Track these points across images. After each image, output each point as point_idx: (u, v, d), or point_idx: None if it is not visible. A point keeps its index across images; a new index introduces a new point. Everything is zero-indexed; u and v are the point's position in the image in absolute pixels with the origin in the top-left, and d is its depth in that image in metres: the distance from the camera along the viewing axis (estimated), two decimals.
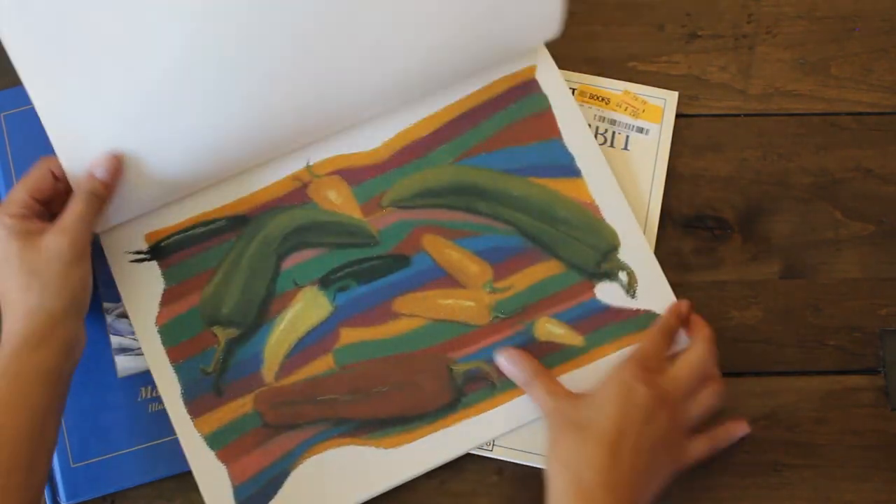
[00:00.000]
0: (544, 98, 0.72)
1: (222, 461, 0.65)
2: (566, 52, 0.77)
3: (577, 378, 0.67)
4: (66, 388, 0.62)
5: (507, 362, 0.66)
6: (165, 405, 0.66)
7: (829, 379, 0.71)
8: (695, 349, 0.65)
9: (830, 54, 0.78)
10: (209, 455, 0.65)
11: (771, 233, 0.74)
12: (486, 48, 0.69)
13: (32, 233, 0.61)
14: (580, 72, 0.76)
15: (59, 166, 0.64)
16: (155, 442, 0.67)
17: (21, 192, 0.63)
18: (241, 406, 0.66)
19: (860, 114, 0.76)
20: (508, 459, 0.68)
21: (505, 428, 0.66)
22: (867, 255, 0.73)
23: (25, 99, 0.68)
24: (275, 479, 0.65)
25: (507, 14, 0.68)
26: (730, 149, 0.76)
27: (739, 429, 0.67)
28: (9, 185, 0.73)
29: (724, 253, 0.73)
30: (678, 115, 0.75)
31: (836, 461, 0.69)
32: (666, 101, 0.75)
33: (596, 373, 0.66)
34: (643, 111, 0.75)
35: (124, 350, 0.69)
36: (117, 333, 0.70)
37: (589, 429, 0.60)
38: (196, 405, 0.66)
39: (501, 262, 0.69)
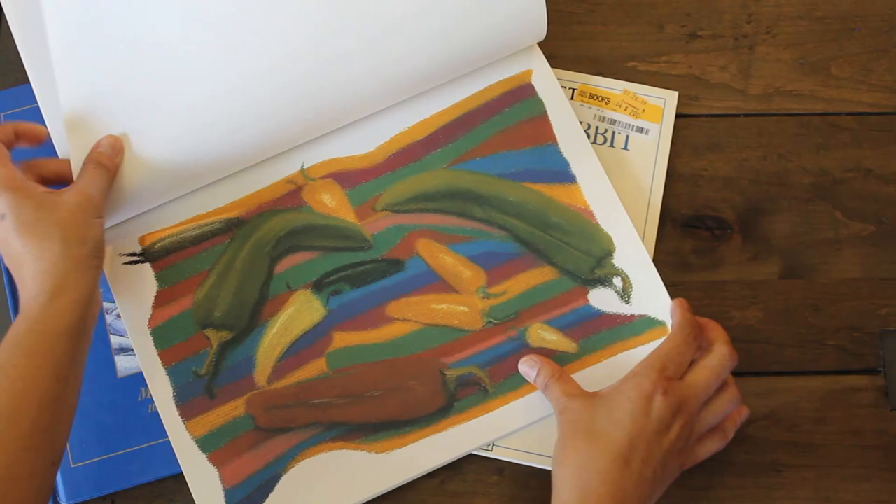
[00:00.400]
0: (540, 102, 0.72)
1: (214, 464, 0.65)
2: (566, 52, 0.77)
3: None
4: (87, 344, 0.61)
5: (526, 366, 0.66)
6: (157, 407, 0.66)
7: (829, 379, 0.71)
8: (716, 354, 0.64)
9: (830, 54, 0.78)
10: (200, 458, 0.65)
11: (771, 233, 0.74)
12: (475, 49, 0.69)
13: (43, 193, 0.61)
14: (580, 72, 0.76)
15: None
16: (155, 442, 0.67)
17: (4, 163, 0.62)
18: (233, 409, 0.66)
19: (860, 114, 0.76)
20: (508, 459, 0.68)
21: (497, 433, 0.66)
22: (867, 255, 0.73)
23: (25, 99, 0.69)
24: (266, 482, 0.65)
25: (492, 15, 0.68)
26: (730, 149, 0.76)
27: (743, 415, 0.66)
28: None
29: (724, 253, 0.73)
30: (678, 115, 0.75)
31: (836, 461, 0.69)
32: (666, 101, 0.75)
33: (589, 378, 0.66)
34: (643, 111, 0.75)
35: (124, 350, 0.69)
36: (117, 333, 0.70)
37: (600, 440, 0.60)
38: (188, 408, 0.66)
39: (495, 267, 0.69)
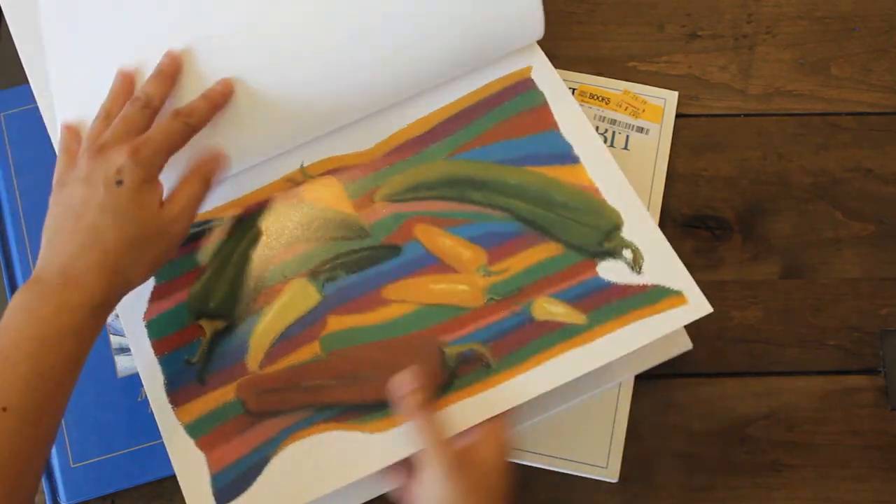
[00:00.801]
0: (540, 94, 0.71)
1: (201, 449, 0.63)
2: (566, 52, 0.77)
3: (581, 358, 0.63)
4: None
5: (398, 383, 0.62)
6: (148, 396, 0.64)
7: (829, 379, 0.71)
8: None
9: (830, 54, 0.78)
10: (188, 443, 0.63)
11: (771, 233, 0.74)
12: (471, 48, 0.69)
13: (161, 199, 0.60)
14: (580, 72, 0.76)
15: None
16: (155, 442, 0.67)
17: (168, 149, 0.60)
18: (223, 394, 0.64)
19: (860, 114, 0.76)
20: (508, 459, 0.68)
21: (501, 408, 0.63)
22: (867, 255, 0.73)
23: (25, 99, 0.69)
24: (254, 466, 0.63)
25: (488, 14, 0.68)
26: (730, 149, 0.76)
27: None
28: (9, 185, 0.73)
29: (724, 253, 0.73)
30: (678, 115, 0.76)
31: (836, 461, 0.69)
32: (666, 101, 0.75)
33: (602, 350, 0.63)
34: (643, 111, 0.75)
35: (124, 350, 0.69)
36: (117, 333, 0.70)
37: None
38: (178, 395, 0.64)
39: (497, 246, 0.67)
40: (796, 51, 0.78)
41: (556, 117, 0.70)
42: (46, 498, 0.67)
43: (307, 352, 0.65)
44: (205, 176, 0.63)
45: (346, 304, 0.66)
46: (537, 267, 0.66)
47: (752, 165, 0.75)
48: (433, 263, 0.67)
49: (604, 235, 0.66)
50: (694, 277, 0.72)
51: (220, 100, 0.64)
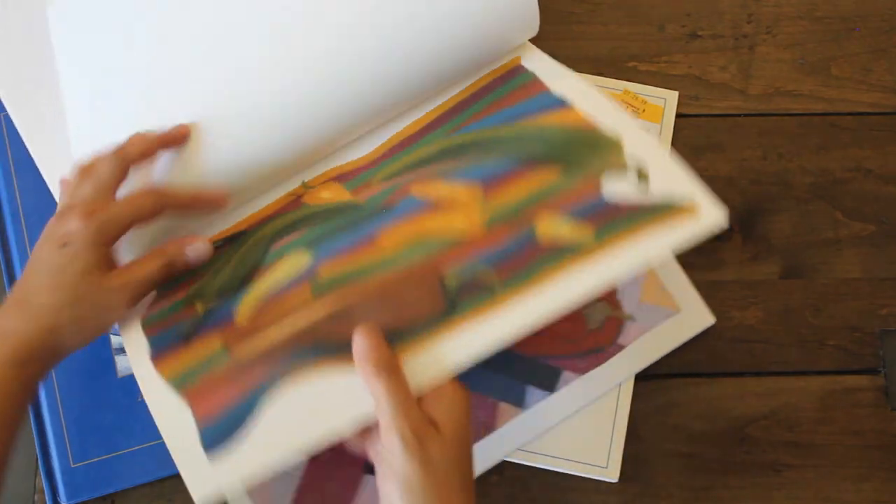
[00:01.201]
0: (531, 74, 0.69)
1: (187, 400, 0.59)
2: (566, 52, 0.77)
3: (590, 274, 0.58)
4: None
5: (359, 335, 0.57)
6: (132, 367, 0.61)
7: (829, 379, 0.71)
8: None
9: (830, 54, 0.78)
10: (172, 397, 0.59)
11: (771, 233, 0.74)
12: (469, 58, 0.69)
13: (110, 261, 0.59)
14: (580, 72, 0.76)
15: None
16: (155, 442, 0.67)
17: (129, 220, 0.59)
18: (208, 346, 0.60)
19: (860, 114, 0.76)
20: (508, 459, 0.68)
21: (511, 333, 0.57)
22: (867, 255, 0.73)
23: None
24: (246, 411, 0.58)
25: (485, 19, 0.68)
26: (730, 149, 0.76)
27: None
28: (9, 185, 0.73)
29: (724, 253, 0.73)
30: (678, 115, 0.76)
31: (836, 461, 0.69)
32: (666, 101, 0.76)
33: (611, 263, 0.58)
34: (643, 111, 0.75)
35: (124, 350, 0.69)
36: (117, 333, 0.70)
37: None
38: (161, 357, 0.61)
39: (493, 181, 0.63)
40: (796, 51, 0.78)
41: (547, 84, 0.67)
42: (47, 498, 0.68)
43: (298, 298, 0.61)
44: (169, 258, 0.61)
45: (338, 254, 0.62)
46: (538, 191, 0.62)
47: (752, 165, 0.75)
48: (427, 207, 0.63)
49: (604, 158, 0.62)
50: (694, 277, 0.73)
51: (208, 207, 0.64)
